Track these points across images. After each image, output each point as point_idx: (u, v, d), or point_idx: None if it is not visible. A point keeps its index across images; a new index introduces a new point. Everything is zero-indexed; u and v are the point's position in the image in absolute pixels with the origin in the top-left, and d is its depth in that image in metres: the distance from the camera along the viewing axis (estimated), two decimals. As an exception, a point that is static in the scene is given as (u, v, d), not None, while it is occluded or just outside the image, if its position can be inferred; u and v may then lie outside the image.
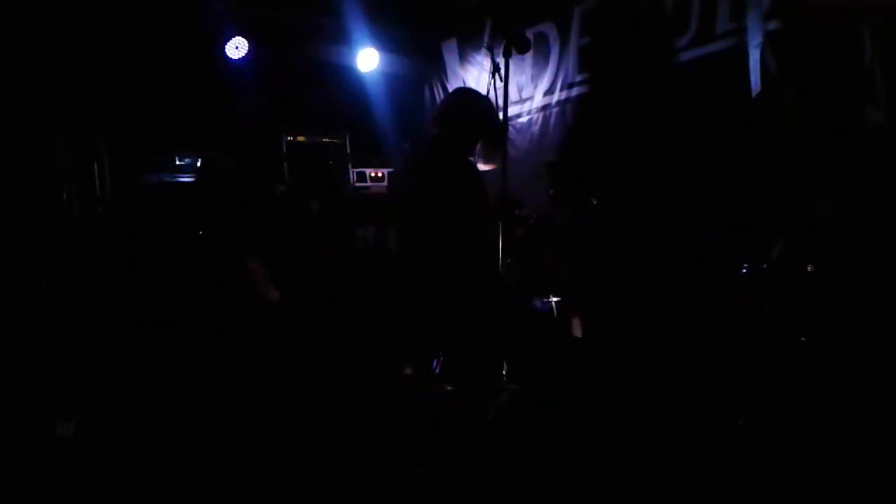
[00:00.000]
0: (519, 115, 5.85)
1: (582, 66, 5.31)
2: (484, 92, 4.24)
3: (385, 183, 5.79)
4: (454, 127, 3.55)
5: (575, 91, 5.38)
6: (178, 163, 5.24)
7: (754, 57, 4.20)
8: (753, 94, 4.12)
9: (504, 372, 3.46)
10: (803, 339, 2.79)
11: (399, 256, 3.82)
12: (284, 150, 5.67)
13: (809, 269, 2.88)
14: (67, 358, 4.21)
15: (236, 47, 5.56)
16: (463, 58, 6.39)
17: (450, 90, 6.56)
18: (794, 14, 3.99)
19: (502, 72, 3.53)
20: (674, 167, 2.44)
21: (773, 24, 4.11)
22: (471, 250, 3.31)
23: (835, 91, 3.15)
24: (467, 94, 4.06)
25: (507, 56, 3.12)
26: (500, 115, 3.11)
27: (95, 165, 5.06)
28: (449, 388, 3.39)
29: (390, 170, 5.85)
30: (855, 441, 2.63)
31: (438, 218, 3.42)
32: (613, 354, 2.51)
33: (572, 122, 5.38)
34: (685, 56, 4.59)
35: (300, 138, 5.70)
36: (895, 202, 2.88)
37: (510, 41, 3.08)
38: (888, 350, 2.68)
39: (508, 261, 3.75)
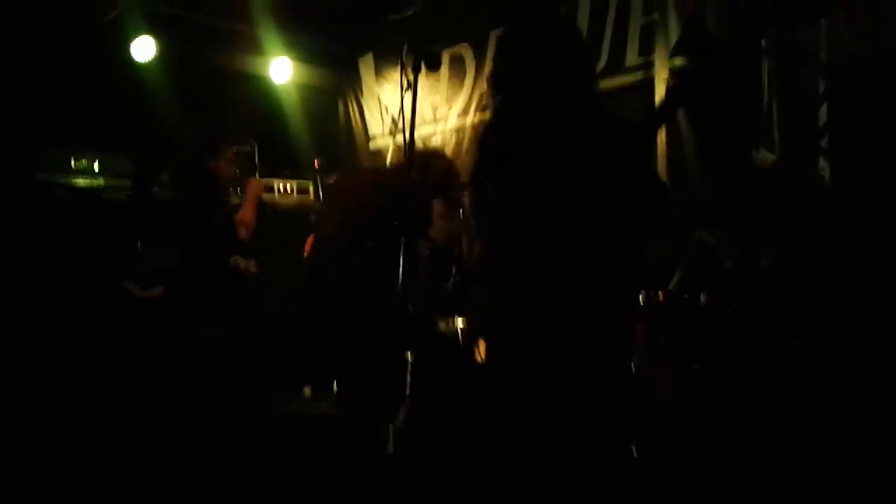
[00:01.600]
0: (433, 134, 5.86)
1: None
2: (398, 107, 4.25)
3: (294, 195, 5.68)
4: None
5: (489, 113, 5.42)
6: (73, 164, 5.00)
7: (660, 92, 4.35)
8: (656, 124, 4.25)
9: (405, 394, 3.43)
10: (696, 367, 2.87)
11: (308, 277, 3.77)
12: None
13: (703, 298, 2.97)
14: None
15: (143, 47, 5.35)
16: (379, 73, 6.37)
17: (364, 105, 6.52)
18: (698, 52, 4.15)
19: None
20: (578, 193, 2.45)
21: (679, 61, 4.26)
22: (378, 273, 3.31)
23: (732, 129, 3.28)
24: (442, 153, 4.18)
25: (416, 72, 3.11)
26: (408, 132, 3.09)
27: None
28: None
29: (301, 182, 5.74)
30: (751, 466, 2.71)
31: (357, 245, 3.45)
32: (514, 378, 2.50)
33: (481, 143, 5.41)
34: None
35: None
36: (785, 237, 3.01)
37: (420, 57, 3.07)
38: (780, 376, 2.78)
39: (413, 281, 3.72)
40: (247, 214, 4.74)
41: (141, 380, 4.14)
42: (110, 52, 5.38)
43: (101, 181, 5.07)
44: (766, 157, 3.10)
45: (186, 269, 4.50)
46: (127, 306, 4.51)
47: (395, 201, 3.27)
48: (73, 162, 5.08)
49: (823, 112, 3.23)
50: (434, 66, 3.31)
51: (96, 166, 5.12)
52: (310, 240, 4.03)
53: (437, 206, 3.88)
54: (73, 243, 4.68)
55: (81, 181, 5.07)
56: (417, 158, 3.82)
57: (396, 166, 3.54)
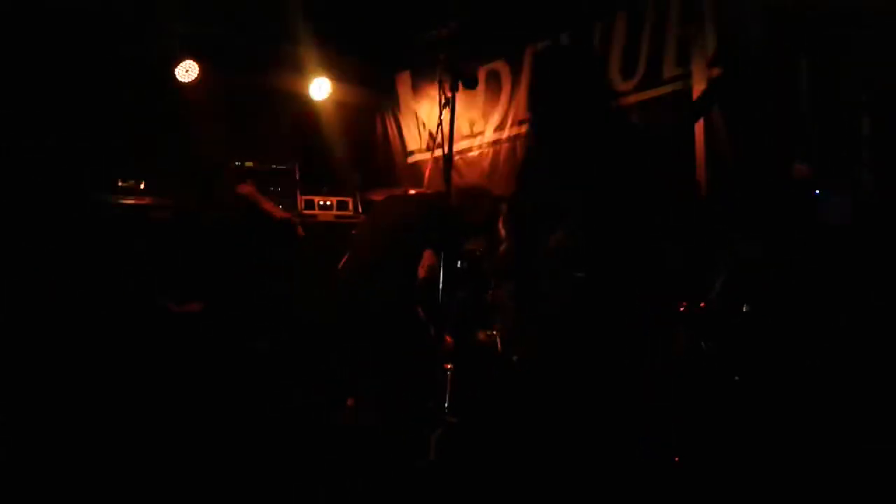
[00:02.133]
0: (469, 149, 5.90)
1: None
2: (435, 123, 4.34)
3: (334, 211, 5.76)
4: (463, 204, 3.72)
5: (526, 128, 5.45)
6: (120, 185, 5.15)
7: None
8: (696, 138, 4.23)
9: (445, 405, 3.45)
10: (737, 377, 2.84)
11: (348, 288, 3.83)
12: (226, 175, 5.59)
13: (745, 308, 2.94)
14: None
15: (186, 70, 5.50)
16: (416, 90, 6.44)
17: (402, 121, 6.59)
18: (737, 62, 4.13)
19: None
20: (616, 204, 2.47)
21: (717, 72, 4.25)
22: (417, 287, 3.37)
23: (770, 138, 3.26)
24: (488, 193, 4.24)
25: (453, 91, 3.17)
26: (446, 148, 3.13)
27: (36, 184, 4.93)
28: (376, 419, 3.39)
29: (341, 198, 5.83)
30: (787, 479, 2.67)
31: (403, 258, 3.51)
32: (554, 388, 2.50)
33: (522, 159, 5.44)
34: (633, 98, 4.71)
35: (248, 164, 5.64)
36: (821, 248, 2.97)
37: (457, 76, 3.13)
38: (820, 387, 2.74)
39: (453, 292, 3.75)
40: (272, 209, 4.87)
41: (182, 392, 4.22)
42: (154, 75, 5.52)
43: (146, 200, 5.21)
44: (803, 168, 3.07)
45: (231, 284, 4.59)
46: (162, 321, 4.60)
47: (436, 226, 3.32)
48: (119, 182, 5.23)
49: (865, 123, 3.19)
50: (470, 85, 3.37)
51: (142, 186, 5.27)
52: (345, 257, 4.09)
53: (480, 241, 3.94)
54: (118, 260, 4.80)
55: (128, 200, 5.22)
56: (466, 197, 3.89)
57: (440, 193, 3.61)
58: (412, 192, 4.82)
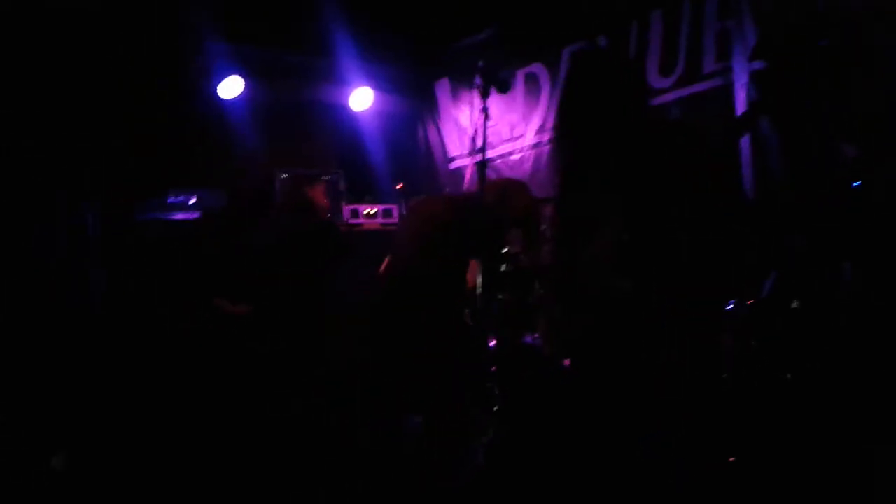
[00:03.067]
0: (511, 153, 5.91)
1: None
2: (475, 128, 4.37)
3: (379, 220, 5.83)
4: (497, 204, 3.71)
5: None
6: (170, 201, 5.28)
7: (740, 96, 4.27)
8: (739, 132, 4.18)
9: (494, 409, 3.46)
10: (789, 375, 2.79)
11: (391, 295, 3.86)
12: (278, 187, 5.71)
13: (794, 305, 2.89)
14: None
15: (230, 86, 5.62)
16: (455, 97, 6.47)
17: (442, 127, 6.64)
18: (779, 54, 4.06)
19: (489, 111, 3.62)
20: (661, 203, 2.45)
21: (758, 64, 4.18)
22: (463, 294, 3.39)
23: (817, 130, 3.20)
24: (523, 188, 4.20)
25: (484, 96, 3.21)
26: (483, 153, 3.16)
27: (86, 207, 5.09)
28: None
29: (385, 206, 5.90)
30: (844, 478, 2.62)
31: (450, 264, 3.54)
32: (602, 389, 2.50)
33: (562, 161, 5.44)
34: (672, 95, 4.67)
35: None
36: (873, 243, 2.90)
37: (490, 81, 3.16)
38: (872, 387, 2.68)
39: (498, 297, 3.77)
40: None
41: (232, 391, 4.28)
42: (200, 93, 5.66)
43: (196, 215, 5.34)
44: (851, 150, 3.00)
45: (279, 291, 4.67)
46: (216, 321, 4.68)
47: (470, 224, 3.33)
48: (169, 199, 5.38)
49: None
50: (504, 90, 3.39)
51: (192, 201, 5.40)
52: (386, 260, 4.13)
53: (517, 237, 3.93)
54: (173, 272, 4.93)
55: (179, 216, 5.36)
56: (499, 191, 3.90)
57: (473, 192, 3.62)
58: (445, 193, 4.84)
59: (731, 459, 2.77)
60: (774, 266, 3.20)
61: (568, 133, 2.61)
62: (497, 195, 3.88)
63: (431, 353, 3.52)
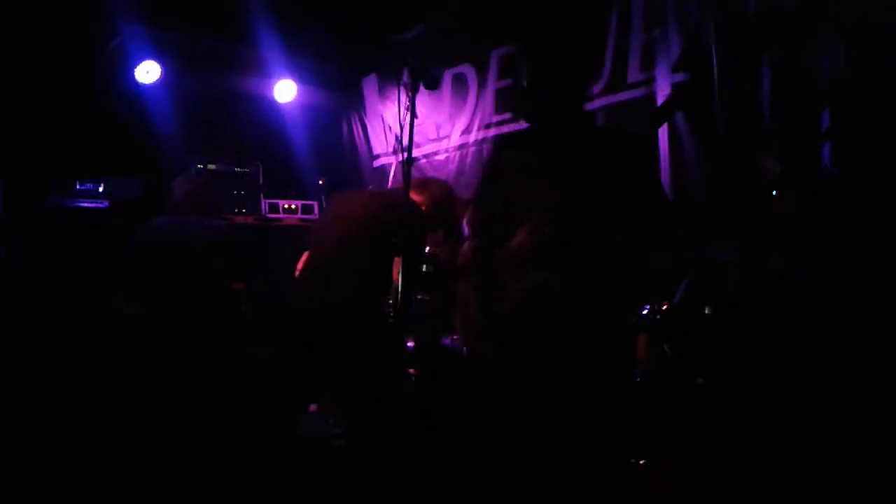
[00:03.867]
0: (436, 153, 5.88)
1: (499, 107, 5.41)
2: (398, 127, 4.33)
3: (298, 215, 5.71)
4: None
5: (492, 131, 5.46)
6: (77, 188, 5.04)
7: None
8: (660, 140, 4.26)
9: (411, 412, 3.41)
10: (700, 381, 2.84)
11: (310, 293, 3.76)
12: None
13: (707, 311, 2.95)
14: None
15: (147, 71, 5.41)
16: (382, 93, 6.41)
17: (368, 124, 6.56)
18: (700, 66, 4.16)
19: (416, 110, 3.57)
20: (582, 206, 2.46)
21: (679, 76, 4.28)
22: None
23: (736, 142, 3.28)
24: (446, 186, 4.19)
25: (413, 91, 3.16)
26: (406, 152, 3.11)
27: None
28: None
29: (306, 202, 5.78)
30: (755, 483, 2.68)
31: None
32: (515, 391, 2.49)
33: (489, 159, 5.45)
34: (598, 103, 4.72)
35: (211, 166, 5.57)
36: (792, 248, 2.99)
37: (418, 77, 3.12)
38: (787, 393, 2.76)
39: (417, 298, 3.72)
40: None
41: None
42: (115, 77, 5.43)
43: (105, 203, 5.12)
44: (772, 164, 3.09)
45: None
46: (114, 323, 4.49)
47: (390, 220, 3.27)
48: (77, 185, 5.13)
49: (825, 119, 3.23)
50: (432, 87, 3.36)
51: (101, 189, 5.17)
52: (304, 256, 4.02)
53: (438, 234, 3.89)
54: (77, 263, 4.71)
55: (86, 204, 5.12)
56: (421, 189, 3.86)
57: (395, 189, 3.57)
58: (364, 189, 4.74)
59: (641, 462, 2.80)
60: (688, 270, 3.26)
61: (501, 129, 2.61)
62: (420, 193, 3.84)
63: (353, 356, 3.44)
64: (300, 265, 3.97)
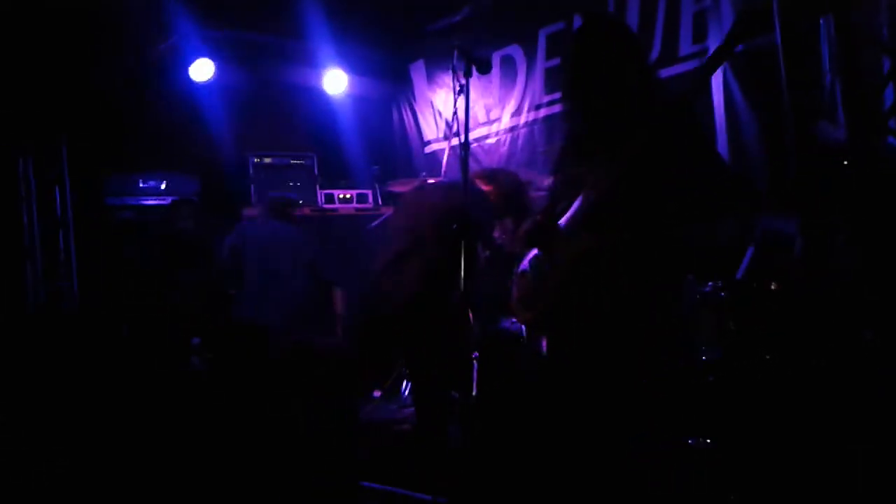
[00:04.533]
0: (487, 136, 5.87)
1: (548, 87, 5.36)
2: (451, 111, 4.33)
3: (353, 204, 5.78)
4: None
5: (542, 112, 5.42)
6: (141, 185, 5.19)
7: (717, 79, 4.27)
8: (716, 115, 4.18)
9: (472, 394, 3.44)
10: (768, 357, 2.79)
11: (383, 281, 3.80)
12: (251, 171, 5.62)
13: (773, 286, 2.89)
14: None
15: (200, 69, 5.51)
16: (430, 79, 6.41)
17: (418, 111, 6.57)
18: (756, 36, 4.06)
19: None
20: (642, 187, 2.44)
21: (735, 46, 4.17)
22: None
23: (795, 111, 3.19)
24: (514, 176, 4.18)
25: (467, 76, 3.15)
26: (462, 136, 3.11)
27: (57, 188, 4.98)
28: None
29: (360, 192, 5.84)
30: (819, 461, 2.63)
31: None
32: (579, 372, 2.49)
33: (539, 143, 5.42)
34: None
35: (267, 160, 5.66)
36: (858, 222, 2.91)
37: (471, 62, 3.10)
38: (851, 369, 2.70)
39: (477, 281, 3.73)
40: None
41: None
42: (170, 76, 5.54)
43: (167, 200, 5.26)
44: (835, 133, 3.00)
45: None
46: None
47: (454, 208, 3.28)
48: (140, 183, 5.28)
49: (890, 92, 3.12)
50: (484, 70, 3.34)
51: (163, 186, 5.31)
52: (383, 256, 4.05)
53: (507, 223, 3.89)
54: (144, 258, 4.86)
55: (149, 201, 5.27)
56: (490, 179, 3.87)
57: (461, 180, 3.59)
58: (431, 181, 4.75)
59: (703, 440, 2.78)
60: (750, 244, 3.20)
61: (570, 105, 2.59)
62: (488, 183, 3.84)
63: (419, 341, 3.47)
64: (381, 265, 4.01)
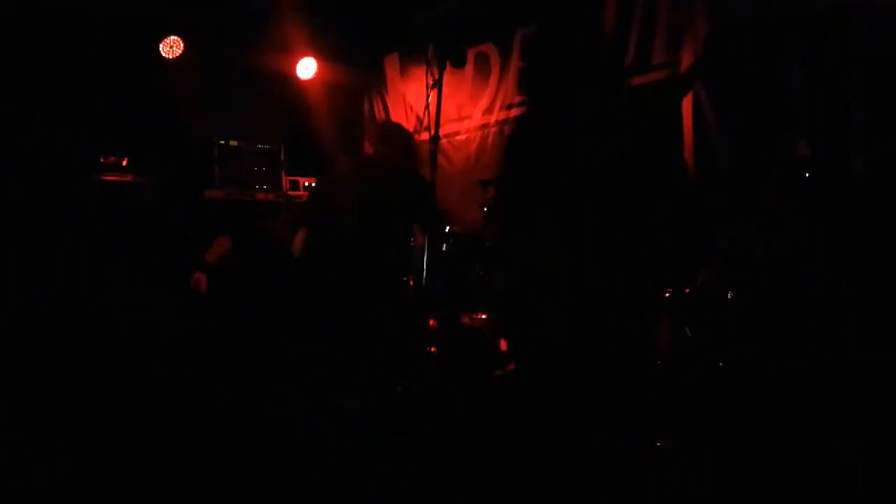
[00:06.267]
0: (457, 133, 5.86)
1: (521, 87, 5.37)
2: (423, 105, 4.30)
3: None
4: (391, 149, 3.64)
5: (514, 112, 5.43)
6: (101, 161, 5.09)
7: (687, 89, 4.31)
8: (685, 124, 4.23)
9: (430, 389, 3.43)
10: (721, 364, 2.84)
11: (320, 260, 3.73)
12: (216, 153, 5.54)
13: (730, 295, 2.94)
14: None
15: (171, 47, 5.41)
16: (404, 72, 6.39)
17: (389, 103, 6.54)
18: (726, 49, 4.12)
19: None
20: (606, 192, 2.45)
21: (707, 57, 4.23)
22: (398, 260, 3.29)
23: (764, 124, 3.25)
24: (399, 127, 4.11)
25: (441, 70, 3.14)
26: (437, 128, 3.10)
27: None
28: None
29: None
30: (769, 463, 2.68)
31: (380, 226, 3.42)
32: (537, 370, 2.50)
33: (509, 142, 5.43)
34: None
35: (233, 143, 5.58)
36: (820, 233, 2.97)
37: (446, 54, 3.09)
38: (805, 375, 2.75)
39: (440, 277, 3.73)
40: None
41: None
42: (139, 52, 5.44)
43: (128, 177, 5.16)
44: (804, 149, 3.05)
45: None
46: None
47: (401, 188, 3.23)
48: (101, 159, 5.17)
49: (857, 107, 3.18)
50: (459, 64, 3.33)
51: (124, 163, 5.21)
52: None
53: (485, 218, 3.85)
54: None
55: (110, 177, 5.16)
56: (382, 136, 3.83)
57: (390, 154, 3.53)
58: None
59: (658, 444, 2.81)
60: (710, 254, 3.24)
61: (523, 112, 2.59)
62: (385, 143, 3.80)
63: (374, 328, 3.42)
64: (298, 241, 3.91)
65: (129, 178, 5.17)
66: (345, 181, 4.06)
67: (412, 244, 3.30)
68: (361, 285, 3.43)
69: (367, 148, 4.03)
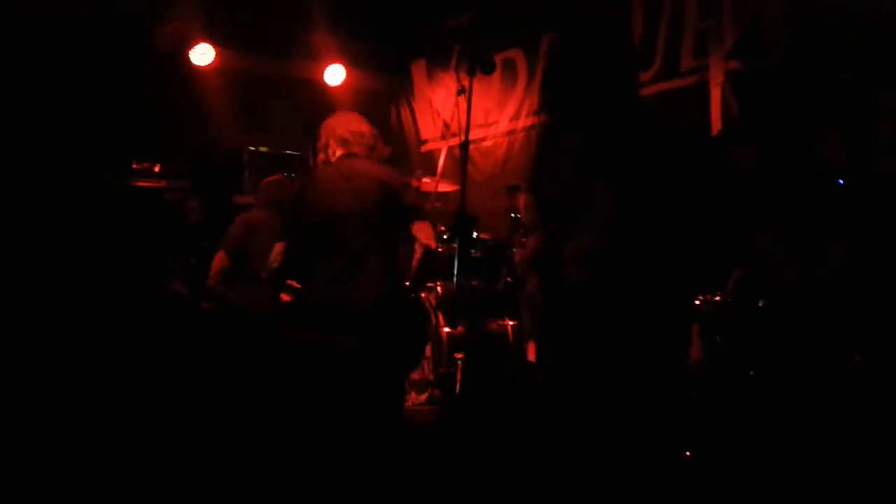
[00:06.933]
0: (484, 139, 5.88)
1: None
2: (450, 111, 4.31)
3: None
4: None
5: (541, 118, 5.44)
6: (133, 167, 5.17)
7: (716, 95, 4.31)
8: (714, 130, 4.22)
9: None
10: (752, 372, 2.82)
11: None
12: (246, 159, 5.61)
13: (761, 304, 2.92)
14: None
15: (202, 54, 5.49)
16: (431, 78, 6.42)
17: (416, 109, 6.58)
18: (755, 55, 4.10)
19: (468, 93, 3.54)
20: (635, 198, 2.45)
21: (734, 65, 4.22)
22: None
23: (794, 131, 3.23)
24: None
25: (470, 76, 3.13)
26: (466, 134, 3.09)
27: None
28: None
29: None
30: (802, 473, 2.66)
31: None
32: (568, 380, 2.50)
33: (542, 147, 5.43)
34: (649, 90, 4.68)
35: (263, 149, 5.65)
36: (853, 241, 2.94)
37: (475, 61, 3.09)
38: (835, 384, 2.73)
39: (469, 284, 3.75)
40: None
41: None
42: (171, 59, 5.52)
43: (161, 183, 5.23)
44: (837, 153, 3.03)
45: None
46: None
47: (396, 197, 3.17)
48: (134, 164, 5.25)
49: (886, 122, 3.16)
50: (488, 70, 3.31)
51: (156, 169, 5.28)
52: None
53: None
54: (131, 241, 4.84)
55: (142, 182, 5.23)
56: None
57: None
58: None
59: (688, 454, 2.80)
60: (741, 261, 3.23)
61: (553, 117, 2.57)
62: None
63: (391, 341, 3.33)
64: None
65: (161, 184, 5.24)
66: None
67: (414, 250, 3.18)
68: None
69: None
